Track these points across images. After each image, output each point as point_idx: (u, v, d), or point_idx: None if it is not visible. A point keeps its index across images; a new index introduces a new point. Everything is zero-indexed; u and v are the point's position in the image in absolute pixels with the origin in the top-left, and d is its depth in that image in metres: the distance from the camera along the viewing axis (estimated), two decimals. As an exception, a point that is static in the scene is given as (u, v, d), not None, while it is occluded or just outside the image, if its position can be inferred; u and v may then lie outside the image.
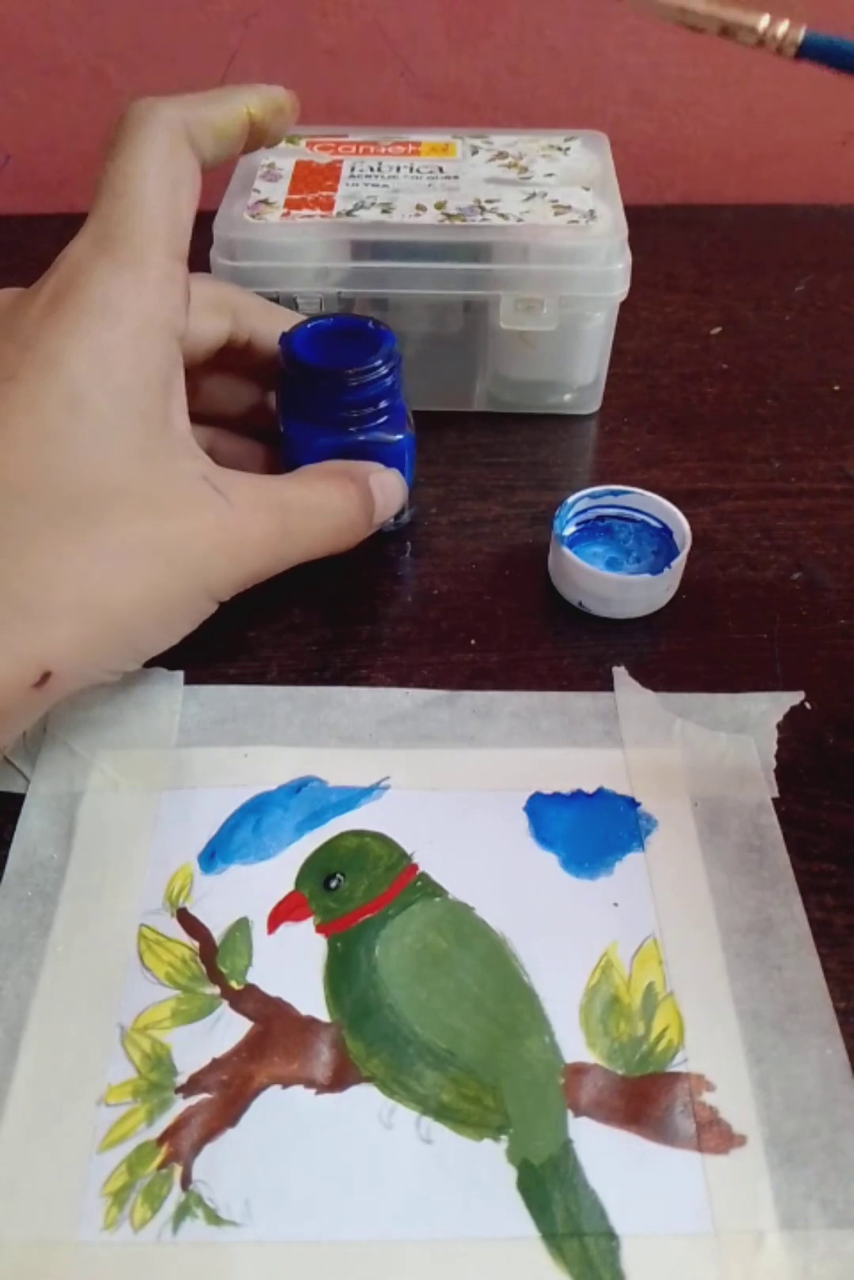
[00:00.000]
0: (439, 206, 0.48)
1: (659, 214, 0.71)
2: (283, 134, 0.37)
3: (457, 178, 0.51)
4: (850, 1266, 0.25)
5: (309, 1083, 0.28)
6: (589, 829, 0.34)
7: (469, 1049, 0.29)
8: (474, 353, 0.51)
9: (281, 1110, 0.28)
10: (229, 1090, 0.28)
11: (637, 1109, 0.28)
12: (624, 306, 0.49)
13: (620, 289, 0.48)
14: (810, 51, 0.29)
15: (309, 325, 0.43)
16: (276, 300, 0.47)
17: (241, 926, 0.32)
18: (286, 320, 0.42)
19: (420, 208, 0.48)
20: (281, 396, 0.43)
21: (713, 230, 0.69)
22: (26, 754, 0.36)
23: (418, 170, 0.51)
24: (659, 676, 0.39)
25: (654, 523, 0.44)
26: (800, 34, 0.29)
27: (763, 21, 0.29)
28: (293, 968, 0.31)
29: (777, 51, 0.30)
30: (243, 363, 0.42)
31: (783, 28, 0.29)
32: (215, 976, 0.31)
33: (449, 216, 0.48)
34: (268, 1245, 0.26)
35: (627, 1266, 0.25)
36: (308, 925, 0.32)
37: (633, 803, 0.35)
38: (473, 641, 0.41)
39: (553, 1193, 0.26)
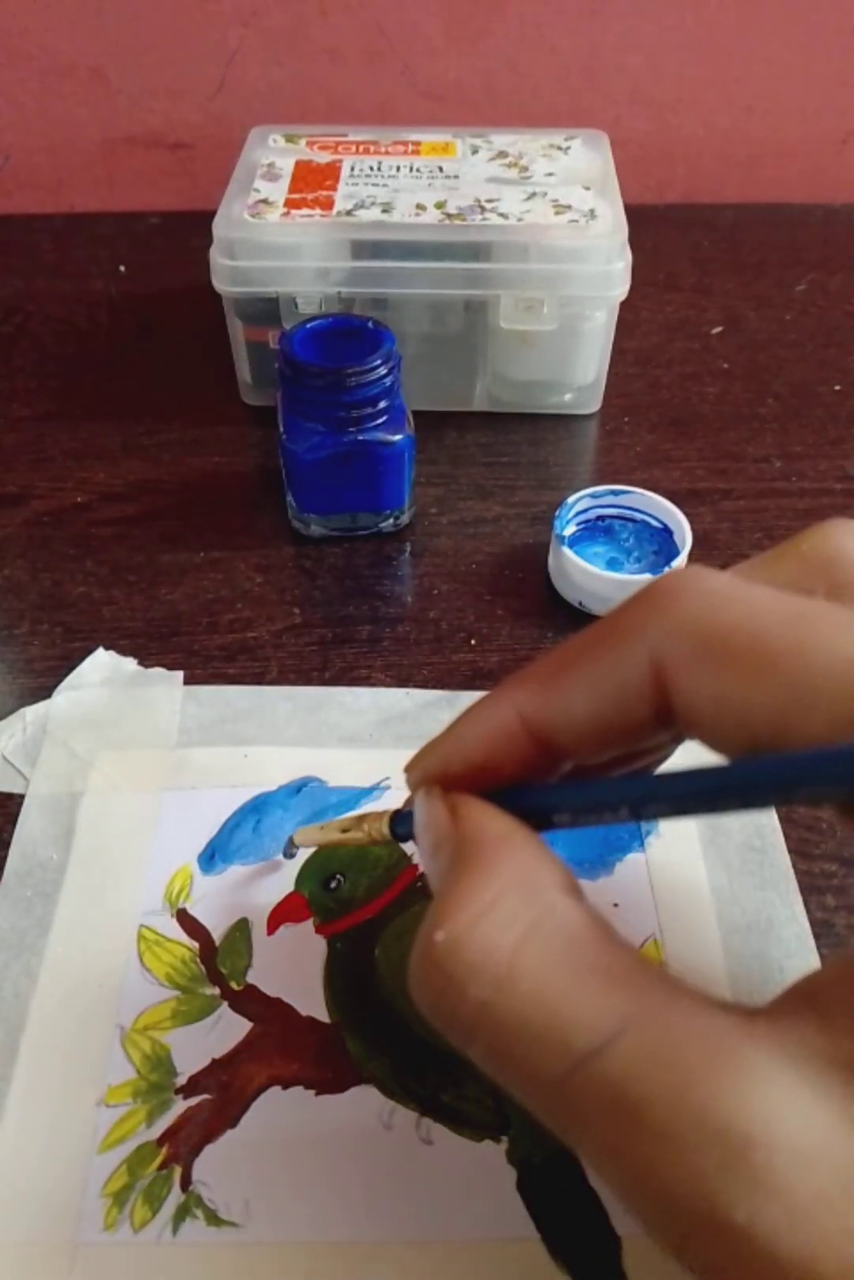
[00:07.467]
0: (439, 206, 0.48)
1: (659, 214, 0.71)
2: None
3: (457, 177, 0.51)
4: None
5: (309, 1083, 0.28)
6: (589, 829, 0.34)
7: (469, 1049, 0.29)
8: (474, 352, 0.51)
9: (282, 1111, 0.28)
10: (229, 1091, 0.28)
11: (637, 1109, 0.28)
12: (624, 306, 0.49)
13: (620, 288, 0.48)
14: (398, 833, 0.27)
15: (308, 325, 0.43)
16: (276, 300, 0.48)
17: (241, 927, 0.32)
18: None
19: (420, 207, 0.48)
20: (282, 397, 0.43)
21: (713, 230, 0.69)
22: (26, 754, 0.36)
23: (418, 170, 0.51)
24: (659, 676, 0.39)
25: (655, 523, 0.44)
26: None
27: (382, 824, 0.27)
28: (293, 968, 0.31)
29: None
30: None
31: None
32: (215, 977, 0.30)
33: (449, 216, 0.48)
34: (268, 1246, 0.26)
35: (627, 1268, 0.25)
36: (308, 926, 0.32)
37: (633, 803, 0.35)
38: (473, 641, 0.41)
39: (553, 1193, 0.26)
